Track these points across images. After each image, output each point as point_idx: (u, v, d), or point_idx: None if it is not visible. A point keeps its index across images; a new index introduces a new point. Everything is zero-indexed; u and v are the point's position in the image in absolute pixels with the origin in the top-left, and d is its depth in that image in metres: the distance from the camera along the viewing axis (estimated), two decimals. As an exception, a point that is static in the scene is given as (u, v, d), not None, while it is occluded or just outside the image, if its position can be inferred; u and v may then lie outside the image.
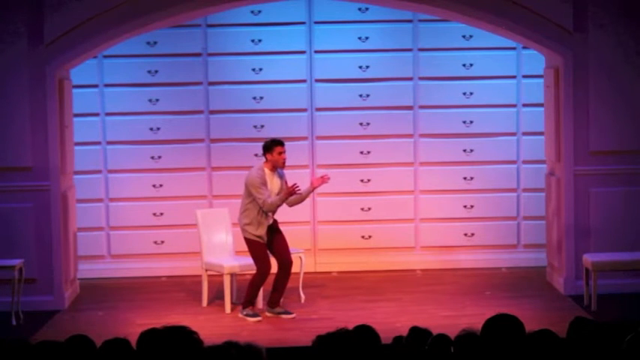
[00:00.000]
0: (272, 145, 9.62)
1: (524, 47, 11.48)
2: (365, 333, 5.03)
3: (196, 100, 11.65)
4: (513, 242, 11.81)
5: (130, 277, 11.44)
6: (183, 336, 4.81)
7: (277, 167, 9.69)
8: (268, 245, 9.79)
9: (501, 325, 5.03)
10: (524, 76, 11.71)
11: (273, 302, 9.82)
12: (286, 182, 9.78)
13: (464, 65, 11.71)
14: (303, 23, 11.66)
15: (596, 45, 10.38)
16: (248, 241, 9.75)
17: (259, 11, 11.59)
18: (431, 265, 11.73)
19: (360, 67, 11.69)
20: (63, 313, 10.08)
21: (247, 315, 9.71)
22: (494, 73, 11.72)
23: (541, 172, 11.28)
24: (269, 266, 9.76)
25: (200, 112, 11.65)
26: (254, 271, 10.11)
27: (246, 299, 9.76)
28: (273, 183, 9.70)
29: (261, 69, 11.65)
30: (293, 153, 11.67)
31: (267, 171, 9.67)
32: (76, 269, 10.82)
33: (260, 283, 9.78)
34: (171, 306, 10.24)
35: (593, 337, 5.10)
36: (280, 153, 9.59)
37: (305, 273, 10.47)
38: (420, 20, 11.64)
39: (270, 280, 9.80)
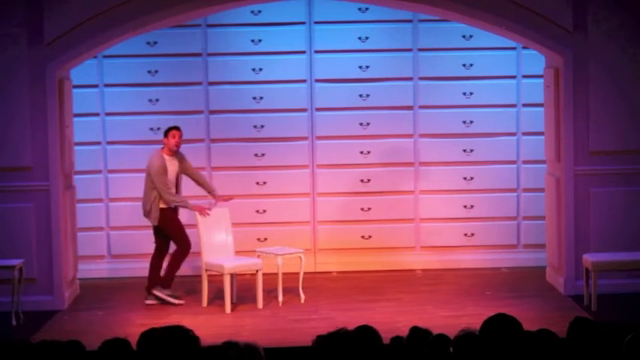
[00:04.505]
0: (167, 130, 10.37)
1: (524, 47, 11.48)
2: (366, 333, 5.03)
3: (196, 100, 11.65)
4: (513, 242, 11.81)
5: (130, 277, 11.44)
6: (181, 335, 4.82)
7: (171, 150, 10.33)
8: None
9: (499, 326, 5.03)
10: (524, 76, 11.71)
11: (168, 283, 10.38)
12: (188, 162, 10.51)
13: (464, 65, 11.71)
14: (303, 23, 11.66)
15: (596, 45, 10.38)
16: (163, 220, 10.24)
17: (259, 11, 11.60)
18: (431, 265, 11.73)
19: (360, 67, 11.69)
20: (63, 313, 10.09)
21: (168, 295, 10.31)
22: (494, 73, 11.72)
23: (541, 172, 11.28)
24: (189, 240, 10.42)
25: (200, 112, 11.65)
26: (254, 271, 10.15)
27: (167, 277, 10.36)
28: (172, 166, 10.36)
29: (261, 69, 11.65)
30: (293, 153, 11.71)
31: (165, 157, 10.33)
32: (76, 269, 10.83)
33: (183, 259, 10.40)
34: (171, 306, 10.23)
35: (593, 337, 5.10)
36: (173, 136, 10.31)
37: (305, 273, 10.47)
38: (420, 20, 11.64)
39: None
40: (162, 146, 10.41)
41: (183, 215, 10.68)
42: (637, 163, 10.48)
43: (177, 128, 10.36)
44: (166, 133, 10.34)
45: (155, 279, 10.39)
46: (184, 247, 10.35)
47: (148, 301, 10.32)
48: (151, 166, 10.27)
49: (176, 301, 10.29)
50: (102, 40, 10.27)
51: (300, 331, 9.13)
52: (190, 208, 10.33)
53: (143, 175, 11.59)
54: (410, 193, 11.80)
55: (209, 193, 10.61)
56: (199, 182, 10.61)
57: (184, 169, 10.48)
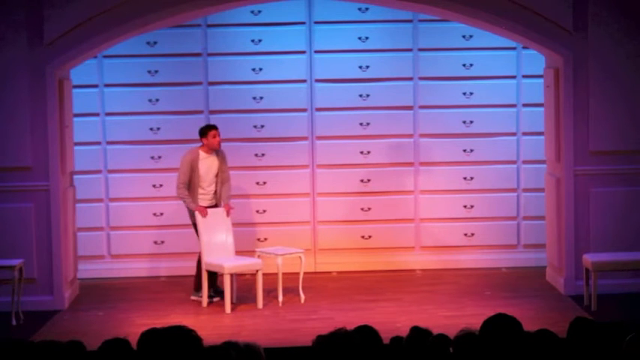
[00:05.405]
0: (206, 130, 10.37)
1: (524, 47, 11.48)
2: (366, 333, 5.03)
3: (196, 100, 11.65)
4: (513, 242, 11.81)
5: (130, 277, 11.45)
6: (182, 335, 4.82)
7: (213, 149, 10.37)
8: None
9: (499, 325, 5.03)
10: (524, 76, 11.71)
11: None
12: (224, 165, 10.47)
13: (464, 65, 11.71)
14: (303, 23, 11.66)
15: (596, 45, 10.38)
16: (192, 217, 10.44)
17: (259, 11, 11.60)
18: (431, 265, 11.73)
19: (360, 67, 11.69)
20: (63, 313, 10.08)
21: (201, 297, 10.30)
22: (494, 73, 11.72)
23: (541, 172, 11.28)
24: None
25: (200, 112, 11.65)
26: (254, 271, 10.16)
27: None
28: (208, 164, 10.36)
29: (261, 69, 11.66)
30: (293, 153, 11.71)
31: (202, 153, 10.35)
32: (76, 269, 10.83)
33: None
34: (171, 306, 10.24)
35: (593, 337, 5.10)
36: (214, 136, 10.32)
37: (305, 273, 10.47)
38: (420, 20, 11.64)
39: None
40: (200, 144, 10.41)
41: (184, 214, 10.67)
42: (637, 163, 10.48)
43: (215, 127, 10.42)
44: (205, 133, 10.31)
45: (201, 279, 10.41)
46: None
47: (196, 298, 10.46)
48: (181, 158, 10.40)
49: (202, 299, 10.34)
50: (102, 40, 10.27)
51: (300, 331, 9.13)
52: (191, 207, 10.32)
53: (143, 175, 11.65)
54: (410, 193, 11.80)
55: (220, 197, 10.49)
56: (219, 185, 10.49)
57: (219, 168, 10.46)
